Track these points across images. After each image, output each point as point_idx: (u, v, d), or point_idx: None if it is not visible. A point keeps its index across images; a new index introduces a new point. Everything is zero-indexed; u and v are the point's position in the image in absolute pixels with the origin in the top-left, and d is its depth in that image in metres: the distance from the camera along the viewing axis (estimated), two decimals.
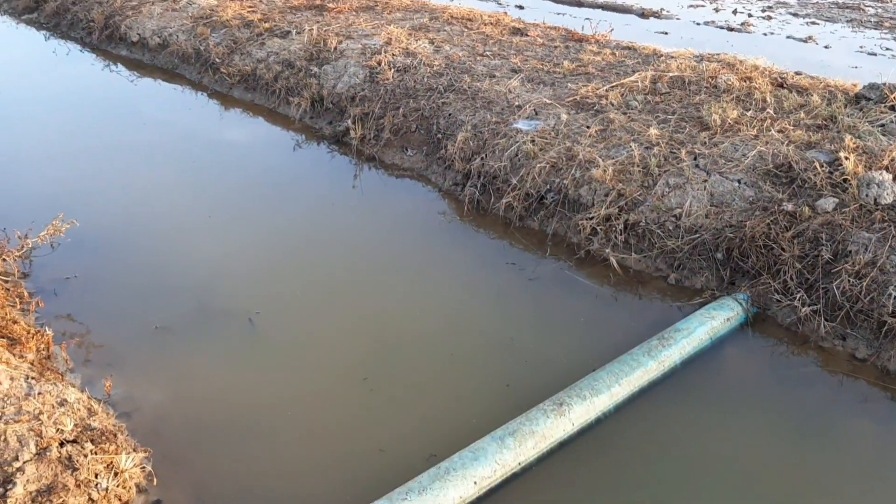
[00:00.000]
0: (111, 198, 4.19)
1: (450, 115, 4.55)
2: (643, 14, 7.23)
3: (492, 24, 6.02)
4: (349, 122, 4.88)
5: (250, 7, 6.50)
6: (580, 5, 7.67)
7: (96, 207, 4.02)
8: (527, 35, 5.76)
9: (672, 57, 4.96)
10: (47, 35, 7.16)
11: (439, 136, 4.48)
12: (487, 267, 3.53)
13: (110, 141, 4.96)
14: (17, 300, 2.95)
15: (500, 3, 7.67)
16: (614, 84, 4.50)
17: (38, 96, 5.78)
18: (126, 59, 6.43)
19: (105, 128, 5.22)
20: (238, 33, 6.05)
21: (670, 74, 4.53)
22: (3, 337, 2.56)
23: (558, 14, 7.35)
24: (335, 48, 5.51)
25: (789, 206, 3.25)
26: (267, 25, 6.07)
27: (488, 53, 5.34)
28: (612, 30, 5.77)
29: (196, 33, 6.20)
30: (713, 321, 2.94)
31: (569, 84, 4.66)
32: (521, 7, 7.58)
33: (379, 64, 5.20)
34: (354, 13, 6.31)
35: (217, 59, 5.86)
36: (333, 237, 3.83)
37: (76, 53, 6.62)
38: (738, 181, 3.48)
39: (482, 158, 4.08)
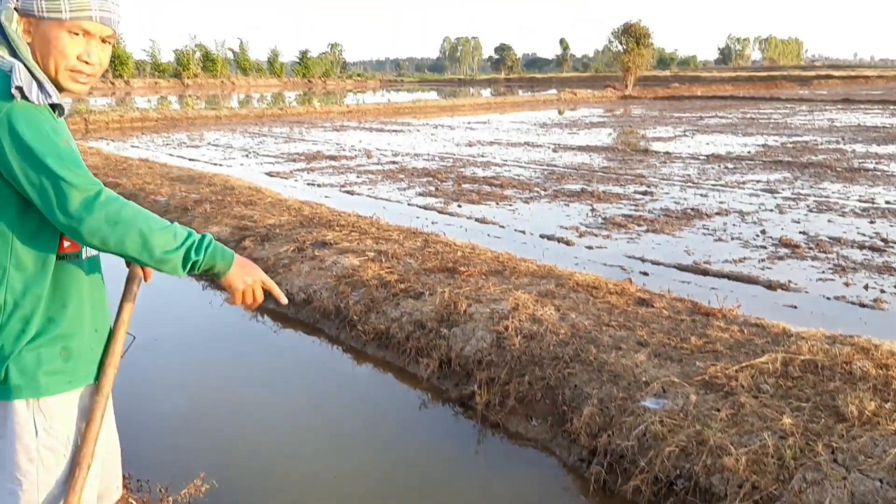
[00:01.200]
0: (244, 450, 4.39)
1: (575, 386, 4.61)
2: (770, 286, 7.26)
3: (617, 293, 6.21)
4: (475, 386, 5.01)
5: (389, 268, 7.00)
6: (705, 273, 7.81)
7: (230, 459, 4.22)
8: (652, 306, 5.89)
9: (802, 337, 4.92)
10: (204, 285, 7.89)
11: (564, 407, 4.52)
12: None
13: (249, 393, 5.28)
14: None
15: (624, 269, 7.93)
16: (744, 364, 4.48)
17: (192, 341, 6.30)
18: (273, 312, 6.95)
19: (245, 377, 5.58)
20: (376, 293, 6.48)
21: (802, 357, 4.48)
22: None
23: (683, 282, 7.50)
24: (464, 311, 5.79)
25: None
26: (403, 286, 6.50)
27: (614, 324, 5.47)
28: (740, 305, 5.82)
29: (338, 291, 6.69)
30: None
31: (697, 362, 4.68)
32: (645, 273, 7.79)
33: (506, 329, 5.41)
34: (484, 277, 6.67)
35: (355, 317, 6.26)
36: None
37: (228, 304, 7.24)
38: (880, 481, 3.30)
39: (609, 435, 4.07)
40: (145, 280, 2.20)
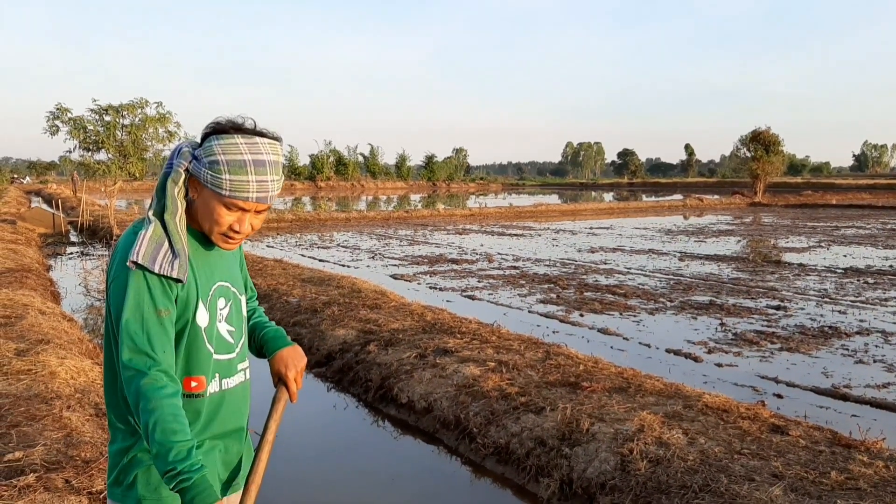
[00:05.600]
0: None
1: None
2: None
3: (749, 418, 5.92)
4: None
5: (509, 379, 6.96)
6: (845, 399, 7.34)
7: None
8: (788, 434, 5.57)
9: None
10: (329, 387, 8.08)
11: None
12: None
13: (366, 500, 5.29)
14: None
15: (756, 390, 7.57)
16: None
17: (312, 443, 6.41)
18: (393, 418, 7.02)
19: (363, 483, 5.61)
20: (496, 405, 6.44)
21: None
22: None
23: (821, 407, 7.08)
24: (587, 430, 5.66)
25: None
26: (523, 400, 6.43)
27: (746, 452, 5.20)
28: (885, 437, 5.42)
29: (458, 401, 6.70)
30: None
31: (837, 500, 4.36)
32: (779, 396, 7.41)
33: (631, 452, 5.24)
34: (607, 394, 6.52)
35: (474, 429, 6.23)
36: None
37: (352, 409, 7.38)
38: None
39: None
40: (291, 401, 2.29)
